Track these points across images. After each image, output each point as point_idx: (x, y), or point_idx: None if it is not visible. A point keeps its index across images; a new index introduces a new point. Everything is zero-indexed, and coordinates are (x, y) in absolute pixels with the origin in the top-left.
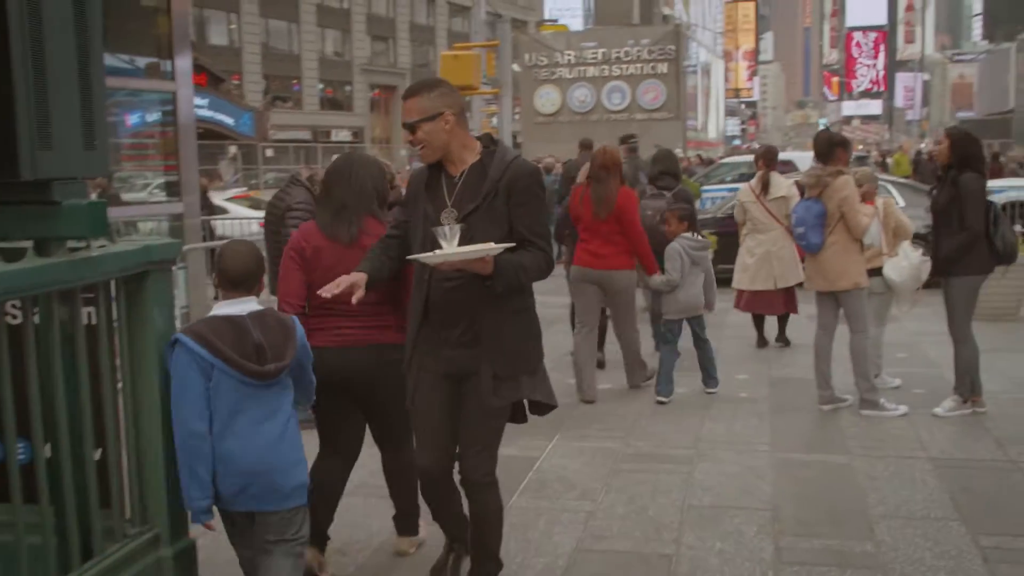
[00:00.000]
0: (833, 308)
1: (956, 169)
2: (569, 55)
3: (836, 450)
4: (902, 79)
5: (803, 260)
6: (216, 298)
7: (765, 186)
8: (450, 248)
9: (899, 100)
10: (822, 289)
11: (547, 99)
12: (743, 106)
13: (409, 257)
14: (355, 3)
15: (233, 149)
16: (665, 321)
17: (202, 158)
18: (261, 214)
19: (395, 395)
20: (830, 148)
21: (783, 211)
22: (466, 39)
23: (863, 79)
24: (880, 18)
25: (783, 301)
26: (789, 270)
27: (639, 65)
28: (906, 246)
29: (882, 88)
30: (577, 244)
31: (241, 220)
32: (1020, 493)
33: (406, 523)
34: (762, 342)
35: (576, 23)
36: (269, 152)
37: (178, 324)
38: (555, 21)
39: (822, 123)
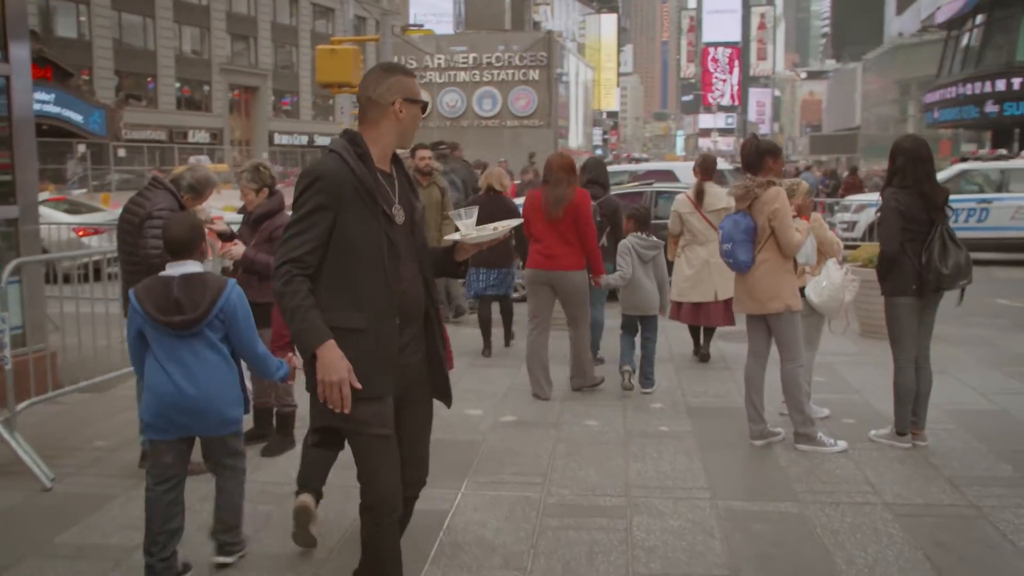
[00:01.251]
0: (765, 333)
1: (886, 181)
2: (439, 59)
3: (783, 496)
4: (755, 94)
5: None
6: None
7: (700, 196)
8: (472, 229)
9: (752, 114)
10: (751, 312)
11: None
12: (605, 116)
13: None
14: (214, 0)
15: (82, 148)
16: (623, 316)
17: (47, 157)
18: (76, 220)
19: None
20: (759, 157)
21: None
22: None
23: (719, 93)
24: (734, 35)
25: (723, 313)
26: (729, 281)
27: (511, 71)
28: (830, 264)
29: (736, 102)
30: (530, 246)
31: (50, 226)
32: (992, 546)
33: None
34: (704, 357)
35: (446, 28)
36: (121, 152)
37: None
38: (421, 26)
39: (680, 134)
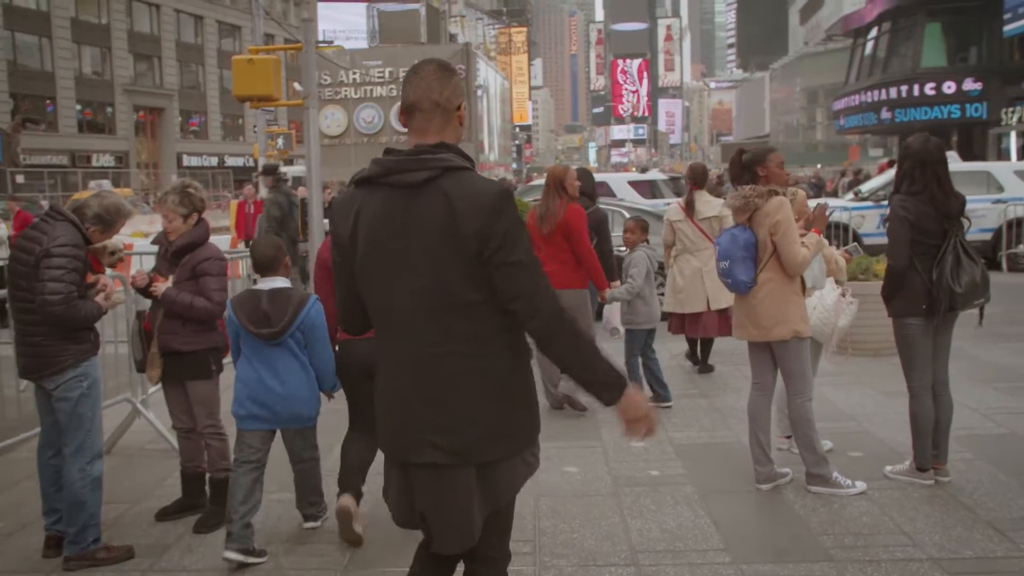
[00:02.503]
0: (770, 363)
1: (894, 187)
2: (354, 74)
3: (814, 554)
4: (664, 105)
5: None
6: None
7: (690, 205)
8: None
9: (662, 124)
10: (754, 339)
11: (332, 120)
12: (517, 129)
13: None
14: (115, 19)
15: None
16: (630, 331)
17: None
18: None
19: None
20: (743, 170)
21: (715, 230)
22: None
23: (628, 104)
24: (642, 47)
25: (718, 323)
26: (723, 290)
27: None
28: (827, 285)
29: (647, 113)
30: None
31: None
32: None
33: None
34: (705, 368)
35: (360, 44)
36: (20, 178)
37: None
38: (330, 42)
39: (592, 146)
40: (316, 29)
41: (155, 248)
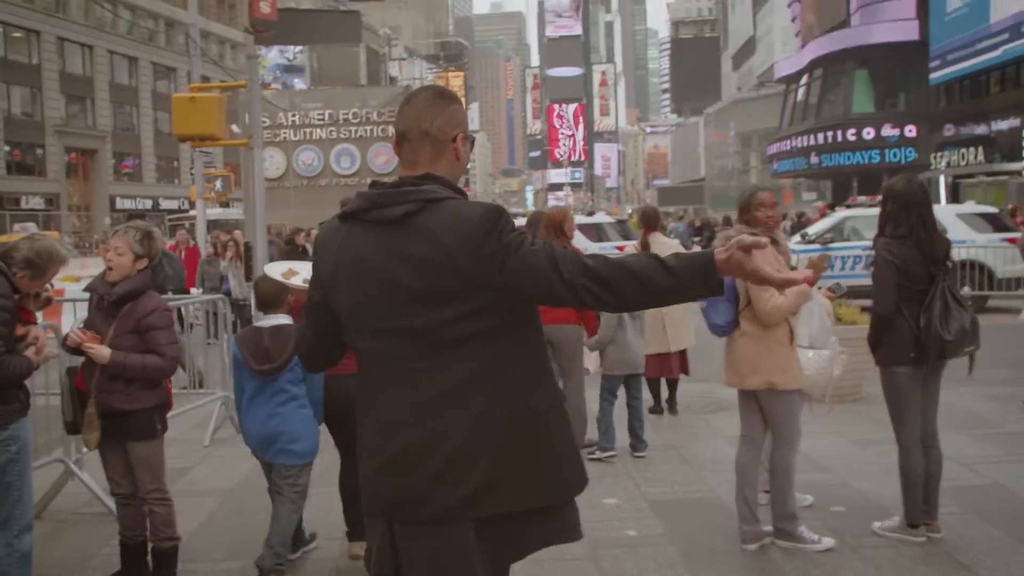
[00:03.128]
0: (758, 414)
1: (878, 230)
2: (294, 116)
3: None
4: (600, 149)
5: None
6: None
7: (646, 248)
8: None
9: (598, 168)
10: (731, 385)
11: (271, 162)
12: None
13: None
14: (46, 59)
15: None
16: (604, 376)
17: None
18: None
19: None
20: (740, 211)
21: None
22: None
23: (565, 148)
24: (577, 92)
25: (679, 363)
26: (682, 331)
27: (368, 127)
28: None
29: (583, 157)
30: None
31: None
32: None
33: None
34: (657, 408)
35: (299, 85)
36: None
37: None
38: (267, 85)
39: (529, 190)
40: (259, 68)
41: (88, 295)
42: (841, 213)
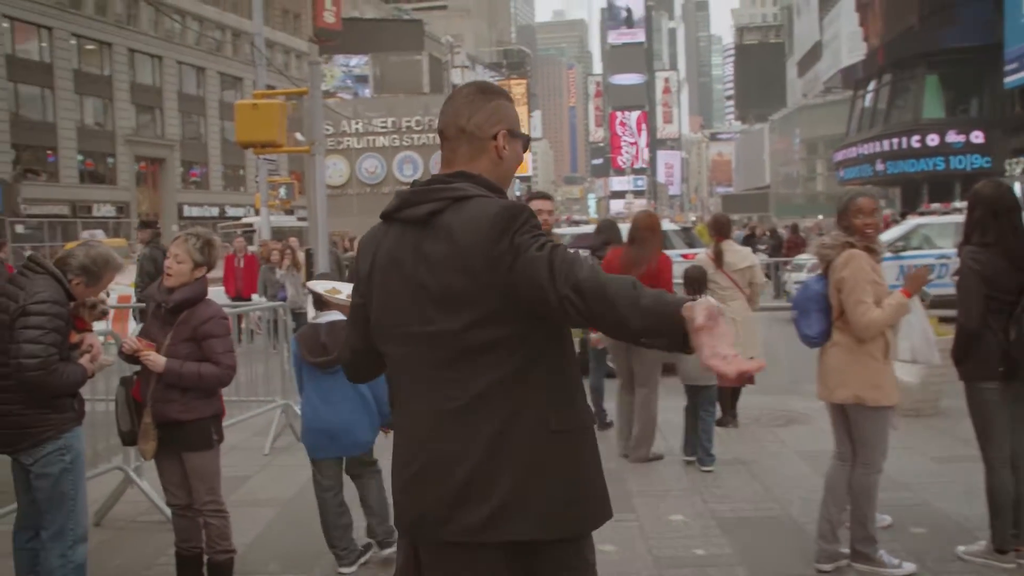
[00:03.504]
0: (837, 424)
1: (964, 238)
2: (357, 124)
3: None
4: (663, 156)
5: None
6: None
7: (719, 256)
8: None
9: (661, 176)
10: (821, 397)
11: (334, 170)
12: (518, 180)
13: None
14: (117, 71)
15: None
16: (686, 387)
17: None
18: None
19: None
20: (839, 212)
21: (744, 281)
22: None
23: (627, 155)
24: (640, 100)
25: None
26: (753, 341)
27: (431, 135)
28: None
29: (645, 165)
30: None
31: None
32: None
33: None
34: (725, 420)
35: (363, 94)
36: (19, 228)
37: None
38: (332, 93)
39: (591, 197)
40: (321, 74)
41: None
42: (913, 221)
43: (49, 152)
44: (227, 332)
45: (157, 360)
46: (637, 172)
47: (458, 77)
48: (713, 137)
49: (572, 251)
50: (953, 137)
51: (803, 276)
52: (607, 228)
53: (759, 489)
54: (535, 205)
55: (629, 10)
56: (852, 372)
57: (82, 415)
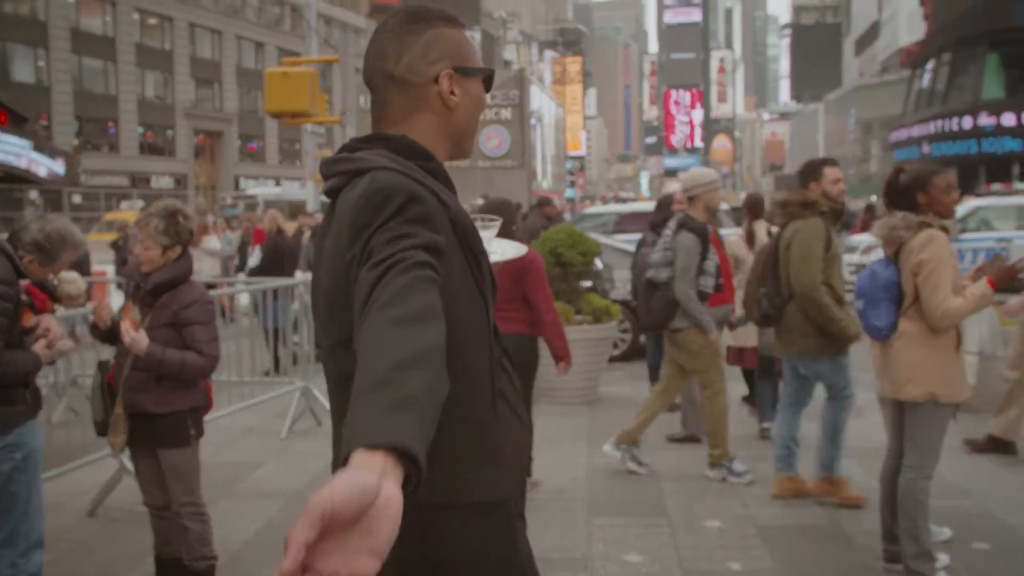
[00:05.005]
0: (895, 424)
1: None
2: None
3: None
4: (716, 135)
5: None
6: None
7: (752, 236)
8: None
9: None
10: (885, 394)
11: None
12: (569, 160)
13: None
14: (178, 45)
15: (34, 194)
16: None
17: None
18: None
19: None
20: (899, 192)
21: None
22: None
23: (681, 135)
24: (695, 79)
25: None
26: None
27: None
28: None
29: (699, 144)
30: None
31: None
32: None
33: None
34: (751, 400)
35: None
36: (76, 198)
37: None
38: None
39: (644, 175)
40: (355, 41)
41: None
42: (972, 202)
43: (110, 124)
44: (211, 319)
45: (139, 339)
46: (690, 151)
47: (511, 53)
48: (767, 117)
49: (423, 272)
50: (1003, 120)
51: (856, 258)
52: (669, 204)
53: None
54: (828, 173)
55: None
56: (926, 367)
57: (37, 407)
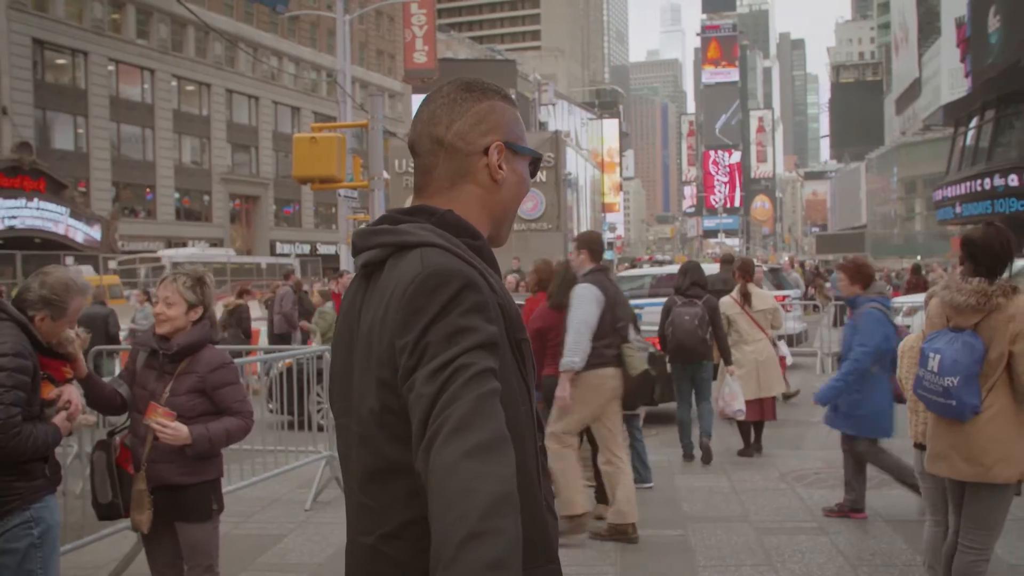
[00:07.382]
0: (956, 502)
1: None
2: None
3: None
4: (756, 196)
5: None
6: None
7: (746, 297)
8: None
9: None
10: (962, 477)
11: None
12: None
13: None
14: (215, 110)
15: (70, 260)
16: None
17: (37, 270)
18: None
19: None
20: (984, 251)
21: (766, 322)
22: None
23: (720, 195)
24: (734, 139)
25: (769, 408)
26: (774, 380)
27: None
28: None
29: (739, 204)
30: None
31: None
32: None
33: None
34: (747, 451)
35: None
36: (112, 264)
37: None
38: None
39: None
40: (384, 106)
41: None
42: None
43: (147, 190)
44: (238, 379)
45: (180, 430)
46: (730, 211)
47: (546, 115)
48: (808, 176)
49: (488, 386)
50: None
51: (898, 320)
52: (692, 269)
53: (843, 565)
54: None
55: None
56: (1017, 445)
57: (57, 482)
